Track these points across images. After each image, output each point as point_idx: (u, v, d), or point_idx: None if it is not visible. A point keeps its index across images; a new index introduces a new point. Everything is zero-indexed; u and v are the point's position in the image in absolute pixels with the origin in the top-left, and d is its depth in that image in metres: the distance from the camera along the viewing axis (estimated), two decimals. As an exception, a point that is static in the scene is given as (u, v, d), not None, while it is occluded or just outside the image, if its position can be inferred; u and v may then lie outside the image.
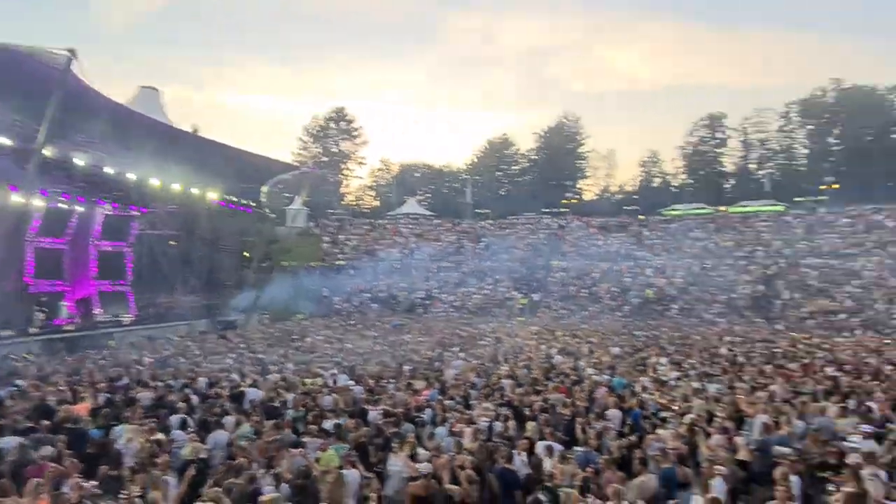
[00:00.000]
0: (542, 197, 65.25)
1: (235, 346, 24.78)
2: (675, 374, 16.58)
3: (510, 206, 63.74)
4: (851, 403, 12.12)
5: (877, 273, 37.79)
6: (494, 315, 40.73)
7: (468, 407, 12.36)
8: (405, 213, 62.71)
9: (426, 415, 11.65)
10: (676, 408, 12.21)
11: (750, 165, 70.38)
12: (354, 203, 78.22)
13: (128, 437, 9.66)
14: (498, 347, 23.48)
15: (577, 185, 75.92)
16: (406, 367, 17.85)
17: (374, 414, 11.50)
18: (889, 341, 25.50)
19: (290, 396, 13.05)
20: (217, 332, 30.78)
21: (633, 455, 8.91)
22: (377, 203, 78.01)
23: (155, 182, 28.70)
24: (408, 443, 9.18)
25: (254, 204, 37.63)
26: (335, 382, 15.02)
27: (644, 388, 14.00)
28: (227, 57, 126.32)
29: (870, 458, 8.06)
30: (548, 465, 8.59)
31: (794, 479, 7.65)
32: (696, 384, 14.77)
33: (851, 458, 8.23)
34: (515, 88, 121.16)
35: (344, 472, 7.68)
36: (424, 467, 8.22)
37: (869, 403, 12.01)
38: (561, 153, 73.66)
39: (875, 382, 14.68)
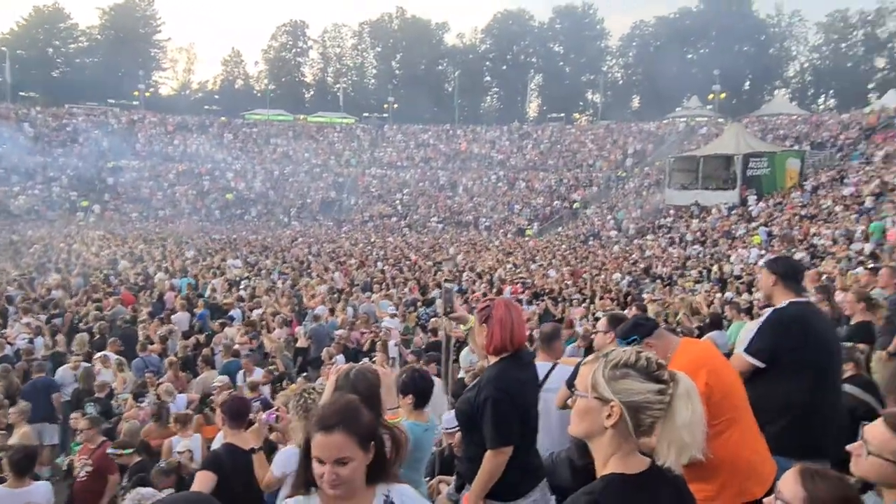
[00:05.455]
0: (108, 85, 57.17)
1: None
2: (247, 274, 17.23)
3: (68, 92, 54.26)
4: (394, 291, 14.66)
5: (420, 183, 45.17)
6: (48, 220, 34.90)
7: (4, 325, 10.65)
8: None
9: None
10: (245, 305, 12.77)
11: (328, 78, 74.51)
12: None
13: None
14: (47, 255, 20.40)
15: (153, 77, 68.82)
16: None
17: None
18: (426, 239, 31.20)
19: None
20: None
21: (199, 354, 9.10)
22: None
23: None
24: None
25: None
26: None
27: (214, 290, 14.15)
28: None
29: (395, 334, 9.99)
30: (107, 376, 8.17)
31: (339, 357, 8.92)
32: (266, 283, 15.70)
33: (391, 336, 10.02)
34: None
35: None
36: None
37: (405, 290, 14.76)
38: (132, 37, 65.11)
39: (410, 273, 17.98)
